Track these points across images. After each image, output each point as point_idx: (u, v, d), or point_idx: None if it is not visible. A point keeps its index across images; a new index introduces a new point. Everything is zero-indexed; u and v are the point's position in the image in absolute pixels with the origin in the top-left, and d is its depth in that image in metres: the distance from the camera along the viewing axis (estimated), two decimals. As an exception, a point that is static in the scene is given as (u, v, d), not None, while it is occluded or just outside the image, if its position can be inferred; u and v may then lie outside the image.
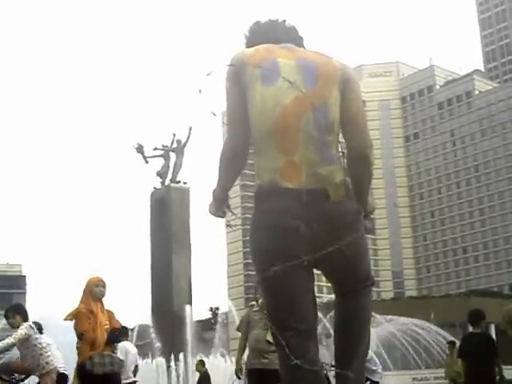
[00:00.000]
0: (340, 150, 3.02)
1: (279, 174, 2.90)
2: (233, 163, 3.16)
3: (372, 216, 3.27)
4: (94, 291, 7.56)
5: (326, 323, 18.99)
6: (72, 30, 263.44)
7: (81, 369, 7.44)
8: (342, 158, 3.01)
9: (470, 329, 9.50)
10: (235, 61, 3.08)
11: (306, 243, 2.87)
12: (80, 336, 7.39)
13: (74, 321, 7.46)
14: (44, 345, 7.91)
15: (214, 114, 3.20)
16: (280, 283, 2.90)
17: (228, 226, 3.65)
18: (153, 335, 27.26)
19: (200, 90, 3.13)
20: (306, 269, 2.93)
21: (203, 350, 28.13)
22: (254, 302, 8.02)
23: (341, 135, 3.06)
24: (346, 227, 2.93)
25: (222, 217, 3.32)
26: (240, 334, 8.28)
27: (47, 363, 7.82)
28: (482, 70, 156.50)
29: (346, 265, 3.00)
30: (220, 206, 3.28)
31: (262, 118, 2.95)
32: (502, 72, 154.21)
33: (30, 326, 7.76)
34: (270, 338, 7.59)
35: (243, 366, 8.32)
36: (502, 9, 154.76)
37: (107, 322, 7.53)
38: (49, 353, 7.93)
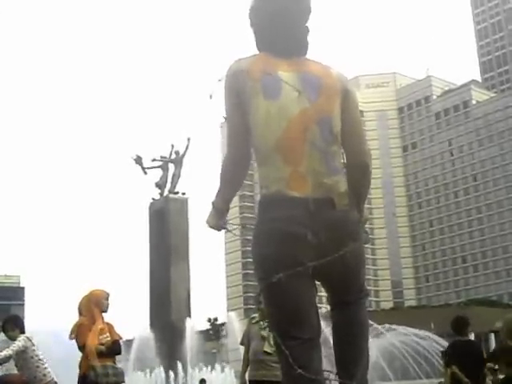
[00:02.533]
0: (342, 160, 3.05)
1: (286, 183, 2.91)
2: (234, 175, 3.18)
3: (368, 225, 3.29)
4: (103, 304, 7.60)
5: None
6: (72, 40, 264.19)
7: (84, 380, 7.42)
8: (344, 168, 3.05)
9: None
10: (233, 72, 3.06)
11: (313, 251, 2.87)
12: (82, 348, 7.39)
13: (75, 333, 7.46)
14: (41, 357, 7.88)
15: (211, 97, 3.20)
16: (286, 291, 2.89)
17: (229, 231, 3.63)
18: (152, 347, 27.20)
19: (211, 96, 3.17)
20: (310, 277, 2.94)
21: (203, 360, 28.09)
22: (254, 315, 8.03)
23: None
24: (349, 236, 2.95)
25: (221, 229, 3.30)
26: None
27: (44, 375, 7.79)
28: (479, 80, 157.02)
29: (346, 274, 3.01)
30: (221, 218, 3.27)
31: (268, 132, 2.95)
32: (498, 82, 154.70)
33: (28, 338, 7.74)
34: (267, 348, 7.59)
35: (247, 380, 8.32)
36: (498, 19, 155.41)
37: (108, 334, 7.54)
38: (46, 365, 7.90)
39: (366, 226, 3.29)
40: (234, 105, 3.06)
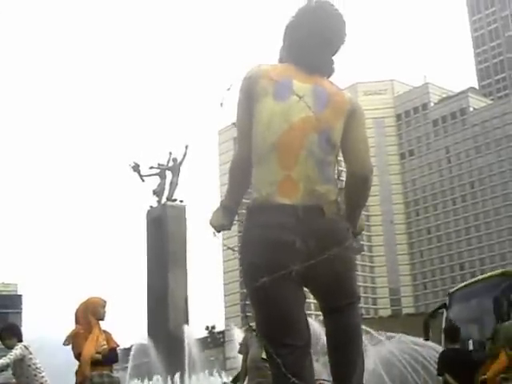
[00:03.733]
0: (336, 172, 3.08)
1: (277, 188, 2.93)
2: (241, 176, 3.21)
3: (366, 233, 3.31)
4: (100, 312, 7.58)
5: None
6: (72, 46, 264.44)
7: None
8: (339, 180, 3.07)
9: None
10: (250, 74, 3.13)
11: (301, 258, 2.87)
12: (78, 356, 7.37)
13: (71, 342, 7.44)
14: (38, 365, 7.87)
15: (222, 105, 3.23)
16: (273, 297, 2.89)
17: (230, 248, 3.63)
18: (150, 354, 27.13)
19: (222, 104, 3.19)
20: (299, 285, 2.94)
21: (201, 368, 28.02)
22: (252, 323, 8.01)
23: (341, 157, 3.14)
24: (337, 244, 2.95)
25: (228, 229, 3.33)
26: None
27: (41, 384, 7.77)
28: (477, 87, 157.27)
29: (336, 280, 3.01)
30: (226, 217, 3.31)
31: (269, 131, 2.99)
32: (495, 89, 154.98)
33: (25, 347, 7.73)
34: (264, 355, 7.59)
35: None
36: (495, 27, 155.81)
37: (105, 342, 7.51)
38: (43, 373, 7.88)
39: (362, 233, 3.32)
40: (244, 106, 3.12)
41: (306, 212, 2.90)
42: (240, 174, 3.21)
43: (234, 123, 3.23)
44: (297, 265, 2.86)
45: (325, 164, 2.99)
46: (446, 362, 8.84)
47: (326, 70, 3.21)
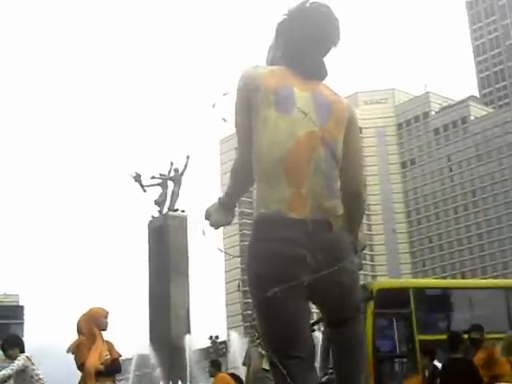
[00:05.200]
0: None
1: (286, 204, 2.92)
2: (243, 178, 3.21)
3: (368, 242, 3.34)
4: (102, 322, 7.58)
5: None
6: (73, 54, 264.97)
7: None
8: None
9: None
10: (247, 80, 3.08)
11: (310, 272, 2.88)
12: (80, 367, 7.36)
13: (74, 352, 7.43)
14: (41, 376, 7.87)
15: (225, 120, 3.25)
16: (281, 309, 2.89)
17: (226, 253, 3.65)
18: (152, 364, 27.09)
19: (214, 105, 3.20)
20: (304, 297, 2.94)
21: (202, 378, 27.96)
22: (253, 333, 8.03)
23: None
24: (344, 257, 2.98)
25: (226, 224, 3.33)
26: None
27: (43, 394, 7.76)
28: (477, 95, 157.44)
29: (343, 294, 3.02)
30: (223, 214, 3.31)
31: (274, 147, 2.96)
32: (496, 97, 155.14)
33: (27, 358, 7.73)
34: (265, 365, 7.60)
35: None
36: (495, 35, 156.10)
37: (107, 353, 7.51)
38: (46, 384, 7.88)
39: (364, 249, 3.35)
40: (244, 113, 3.08)
41: (315, 226, 2.90)
42: (241, 176, 3.21)
43: (224, 119, 3.24)
44: (307, 280, 2.87)
45: (331, 179, 2.99)
46: (447, 373, 8.79)
47: (322, 73, 3.18)
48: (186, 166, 31.60)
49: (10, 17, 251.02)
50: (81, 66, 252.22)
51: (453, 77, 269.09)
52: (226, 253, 3.65)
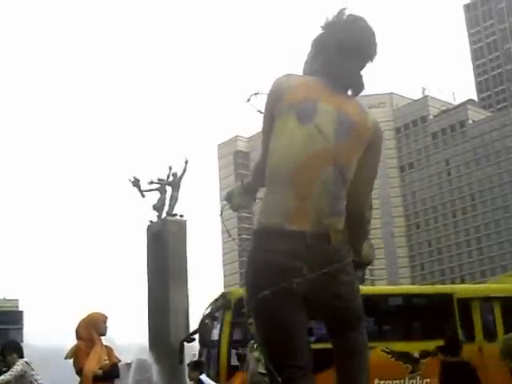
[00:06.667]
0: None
1: (288, 216, 2.92)
2: (261, 178, 3.23)
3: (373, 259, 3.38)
4: (101, 327, 7.58)
5: None
6: (73, 57, 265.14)
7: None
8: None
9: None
10: (275, 87, 3.10)
11: (306, 283, 2.88)
12: (79, 372, 7.37)
13: (73, 357, 7.44)
14: (40, 381, 7.88)
15: (261, 112, 3.24)
16: (277, 317, 2.90)
17: (228, 233, 3.70)
18: (151, 370, 27.05)
19: (249, 99, 3.25)
20: (302, 308, 2.94)
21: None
22: (252, 341, 8.08)
23: None
24: (341, 270, 2.98)
25: (247, 208, 3.43)
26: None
27: (42, 400, 7.77)
28: (476, 99, 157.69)
29: (343, 305, 3.03)
30: (248, 198, 3.42)
31: (285, 160, 2.97)
32: (495, 101, 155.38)
33: (26, 363, 7.75)
34: (261, 369, 7.62)
35: None
36: (493, 39, 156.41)
37: (106, 358, 7.51)
38: (44, 389, 7.89)
39: (370, 263, 3.39)
40: (267, 123, 3.13)
41: (314, 238, 2.90)
42: (260, 175, 3.23)
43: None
44: (302, 290, 2.87)
45: (337, 198, 2.98)
46: (445, 376, 8.80)
47: (358, 88, 3.16)
48: (184, 170, 31.54)
49: (10, 17, 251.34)
50: (81, 70, 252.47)
51: (451, 81, 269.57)
52: (229, 235, 3.73)
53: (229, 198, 3.42)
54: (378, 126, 3.16)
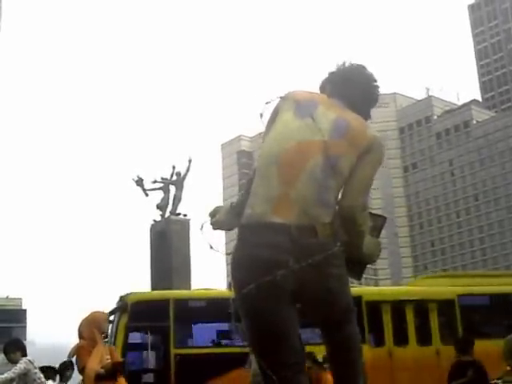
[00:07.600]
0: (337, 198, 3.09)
1: (272, 206, 2.91)
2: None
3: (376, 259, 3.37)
4: (104, 326, 7.60)
5: None
6: (76, 59, 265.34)
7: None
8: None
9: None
10: (288, 93, 3.22)
11: (293, 277, 2.86)
12: (81, 371, 7.38)
13: (75, 356, 7.46)
14: (43, 380, 7.90)
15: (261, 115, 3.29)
16: (268, 316, 2.88)
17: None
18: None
19: (261, 114, 3.23)
20: (290, 302, 2.92)
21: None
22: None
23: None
24: (328, 264, 2.94)
25: (227, 229, 3.38)
26: None
27: (45, 398, 7.79)
28: (480, 99, 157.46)
29: (332, 298, 3.01)
30: (231, 218, 3.37)
31: (276, 142, 3.03)
32: (499, 102, 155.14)
33: (30, 361, 7.76)
34: None
35: None
36: (497, 39, 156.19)
37: (109, 357, 7.52)
38: (47, 387, 7.91)
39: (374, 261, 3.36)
40: (272, 111, 3.21)
41: (299, 232, 2.88)
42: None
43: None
44: (289, 283, 2.85)
45: (324, 187, 2.96)
46: (456, 375, 8.83)
47: (362, 110, 3.24)
48: (188, 169, 31.60)
49: (9, 17, 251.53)
50: (84, 70, 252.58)
51: (455, 81, 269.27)
52: (211, 247, 3.66)
53: (214, 214, 3.37)
54: (378, 140, 3.18)
